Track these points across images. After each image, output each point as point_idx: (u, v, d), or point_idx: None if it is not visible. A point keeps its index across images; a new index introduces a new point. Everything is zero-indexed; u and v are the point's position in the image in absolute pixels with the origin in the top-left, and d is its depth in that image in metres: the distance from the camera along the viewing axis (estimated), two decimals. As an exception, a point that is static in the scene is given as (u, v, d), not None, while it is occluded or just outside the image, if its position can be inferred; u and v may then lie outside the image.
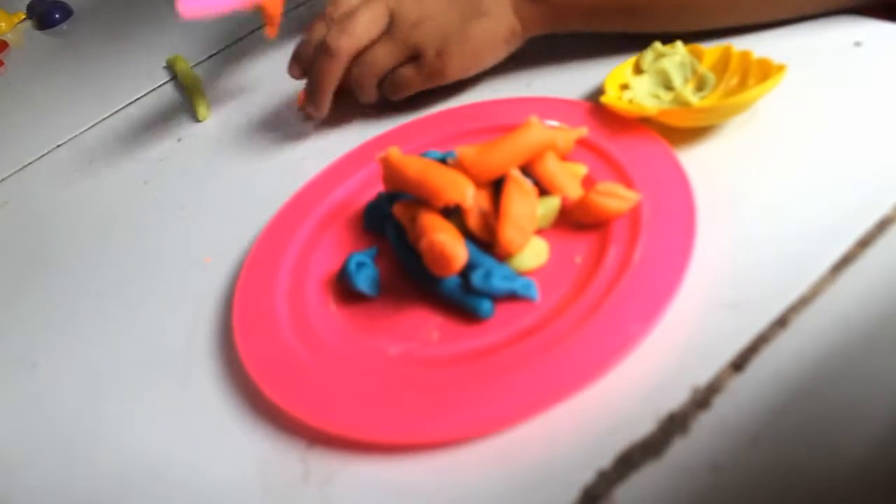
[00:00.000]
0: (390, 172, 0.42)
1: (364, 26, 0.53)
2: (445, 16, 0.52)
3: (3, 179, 0.73)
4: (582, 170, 0.43)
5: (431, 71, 0.53)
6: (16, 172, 0.73)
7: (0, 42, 1.06)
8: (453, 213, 0.40)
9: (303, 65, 0.57)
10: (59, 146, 0.74)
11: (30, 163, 0.74)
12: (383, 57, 0.54)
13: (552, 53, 0.56)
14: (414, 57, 0.53)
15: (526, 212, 0.39)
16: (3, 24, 1.10)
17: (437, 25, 0.52)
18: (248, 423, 0.39)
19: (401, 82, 0.55)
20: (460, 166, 0.40)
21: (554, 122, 0.47)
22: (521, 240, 0.38)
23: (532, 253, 0.39)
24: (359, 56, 0.54)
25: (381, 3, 0.53)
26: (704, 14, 0.50)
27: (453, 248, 0.36)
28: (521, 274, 0.39)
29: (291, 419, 0.37)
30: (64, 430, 0.44)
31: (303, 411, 0.37)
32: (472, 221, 0.39)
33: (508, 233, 0.38)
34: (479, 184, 0.40)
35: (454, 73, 0.53)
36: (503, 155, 0.40)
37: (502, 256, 0.39)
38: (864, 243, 0.37)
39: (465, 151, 0.40)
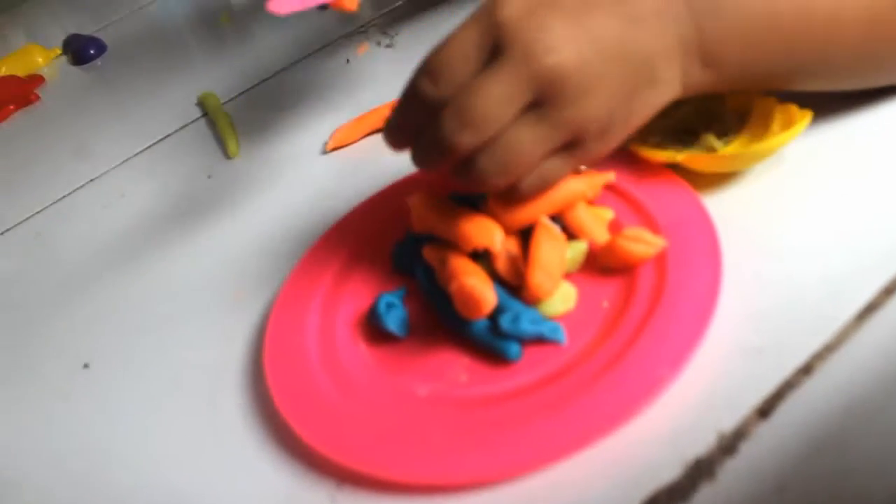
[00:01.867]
0: (420, 215, 0.43)
1: (496, 111, 0.36)
2: (615, 85, 0.38)
3: (38, 212, 0.74)
4: (608, 214, 0.43)
5: (586, 160, 0.41)
6: (51, 205, 0.75)
7: (36, 76, 1.09)
8: (482, 256, 0.41)
9: (406, 138, 0.42)
10: (92, 180, 0.76)
11: (64, 196, 0.75)
12: (531, 146, 0.38)
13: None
14: (569, 144, 0.39)
15: (555, 258, 0.39)
16: (40, 59, 1.13)
17: (604, 99, 0.38)
18: (277, 460, 0.40)
19: (548, 179, 0.40)
20: (493, 214, 0.40)
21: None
22: (550, 285, 0.39)
23: (560, 298, 0.40)
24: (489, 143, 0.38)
25: (521, 66, 0.36)
26: (882, 69, 0.45)
27: (483, 293, 0.37)
28: (549, 318, 0.40)
29: (321, 457, 0.38)
30: (90, 460, 0.45)
31: (332, 450, 0.37)
32: (501, 265, 0.40)
33: (537, 278, 0.38)
34: (509, 230, 0.41)
35: (601, 157, 0.41)
36: (536, 204, 0.41)
37: (531, 301, 0.39)
38: (890, 290, 0.37)
39: (498, 200, 0.41)
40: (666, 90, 0.41)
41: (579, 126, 0.38)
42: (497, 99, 0.36)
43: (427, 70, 0.38)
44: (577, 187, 0.42)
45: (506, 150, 0.37)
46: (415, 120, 0.40)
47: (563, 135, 0.38)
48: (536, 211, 0.41)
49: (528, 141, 0.37)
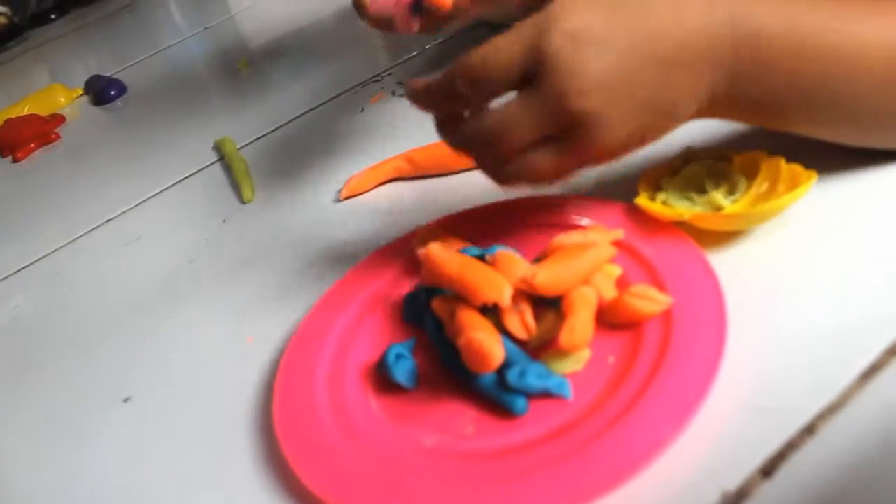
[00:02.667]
0: (430, 268, 0.44)
1: (518, 137, 0.40)
2: (635, 126, 0.41)
3: (55, 250, 0.76)
4: (616, 271, 0.44)
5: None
6: (68, 244, 0.76)
7: (58, 115, 1.11)
8: (490, 310, 0.42)
9: (427, 108, 0.45)
10: (109, 220, 0.77)
11: (81, 235, 0.77)
12: (543, 163, 0.41)
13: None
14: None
15: (586, 319, 0.40)
16: (62, 99, 1.15)
17: (620, 138, 0.41)
18: (285, 509, 0.41)
19: (535, 172, 0.42)
20: (532, 290, 0.41)
21: (587, 221, 0.49)
22: (581, 345, 0.39)
23: (575, 357, 0.40)
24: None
25: (552, 101, 0.39)
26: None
27: (491, 348, 0.38)
28: (558, 374, 0.40)
29: (327, 507, 0.38)
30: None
31: (339, 499, 0.38)
32: (509, 320, 0.41)
33: (568, 338, 0.39)
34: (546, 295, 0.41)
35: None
36: (574, 275, 0.42)
37: (550, 357, 0.40)
38: (894, 351, 0.37)
39: (541, 278, 0.41)
40: (680, 121, 0.44)
41: (590, 155, 0.41)
42: (522, 127, 0.40)
43: (465, 71, 0.41)
44: (606, 254, 0.43)
45: (523, 167, 0.41)
46: (442, 101, 0.43)
47: (574, 160, 0.42)
48: (573, 282, 0.41)
49: (541, 160, 0.41)
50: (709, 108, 0.44)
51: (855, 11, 0.43)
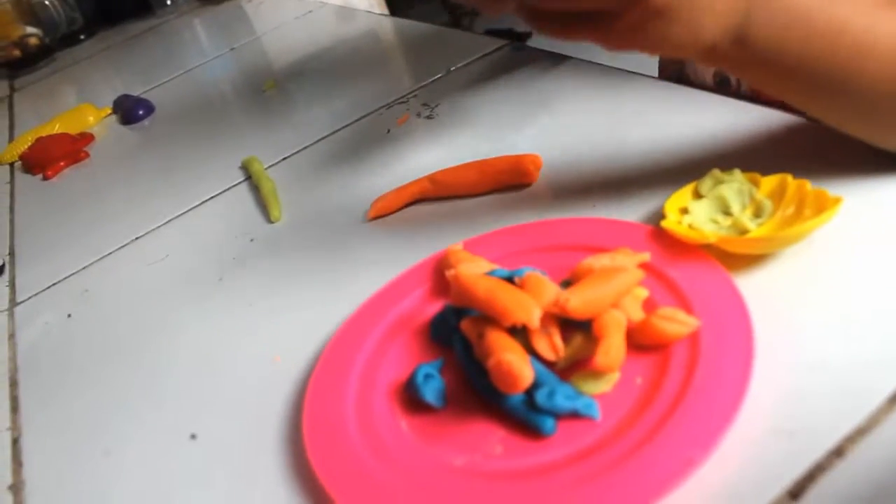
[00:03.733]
0: (459, 290, 0.44)
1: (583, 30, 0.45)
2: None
3: (84, 267, 0.77)
4: (643, 293, 0.45)
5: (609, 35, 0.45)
6: (96, 261, 0.77)
7: (87, 134, 1.13)
8: (518, 331, 0.42)
9: None
10: (137, 238, 0.78)
11: (110, 252, 0.78)
12: None
13: (617, 174, 0.59)
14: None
15: (619, 342, 0.41)
16: (91, 118, 1.17)
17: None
18: (315, 527, 0.41)
19: None
20: (565, 314, 0.42)
21: (614, 243, 0.49)
22: (616, 366, 0.40)
23: (605, 379, 0.41)
24: None
25: None
26: None
27: (521, 369, 0.38)
28: (587, 395, 0.41)
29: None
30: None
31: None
32: (538, 341, 0.41)
33: (604, 360, 0.40)
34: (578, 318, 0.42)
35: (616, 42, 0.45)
36: (605, 299, 0.42)
37: (580, 378, 0.41)
38: (921, 375, 0.37)
39: (574, 302, 0.41)
40: (695, 48, 0.45)
41: (625, 33, 0.44)
42: None
43: None
44: (635, 277, 0.44)
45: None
46: None
47: (610, 32, 0.44)
48: (604, 305, 0.42)
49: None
50: (718, 51, 0.46)
51: (870, 7, 0.46)
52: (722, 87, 0.67)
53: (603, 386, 0.41)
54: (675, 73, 0.74)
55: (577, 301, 0.41)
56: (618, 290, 0.43)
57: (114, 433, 0.54)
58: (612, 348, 0.40)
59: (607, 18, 0.44)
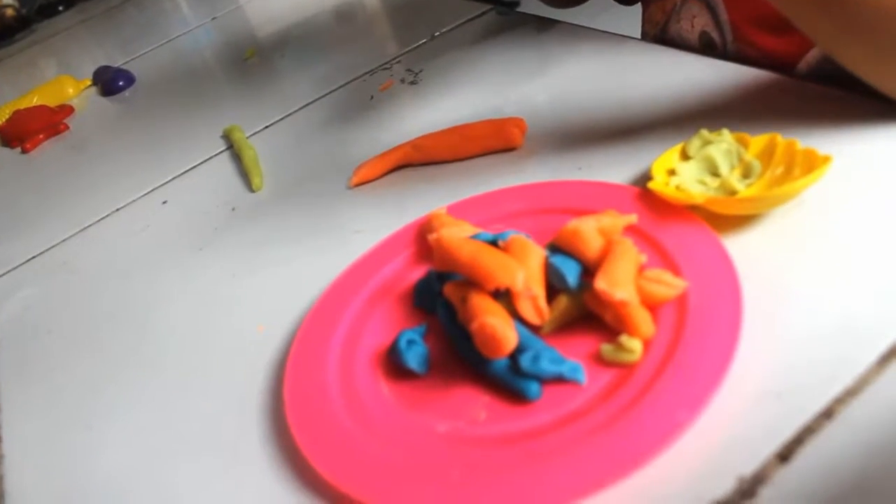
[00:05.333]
0: (442, 254, 0.43)
1: None
2: None
3: (64, 240, 0.76)
4: (642, 259, 0.43)
5: None
6: (76, 233, 0.76)
7: (66, 106, 1.11)
8: (503, 295, 0.41)
9: None
10: (118, 209, 0.77)
11: (90, 225, 0.77)
12: None
13: (603, 136, 0.58)
14: None
15: (623, 268, 0.40)
16: (71, 90, 1.15)
17: None
18: (297, 495, 0.40)
19: None
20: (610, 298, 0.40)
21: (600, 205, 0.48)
22: (611, 291, 0.39)
23: (630, 348, 0.39)
24: None
25: None
26: None
27: (504, 332, 0.37)
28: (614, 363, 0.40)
29: (339, 494, 0.38)
30: (114, 495, 0.46)
31: (351, 486, 0.38)
32: (522, 305, 0.40)
33: (600, 284, 0.39)
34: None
35: None
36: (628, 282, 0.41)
37: (609, 351, 0.40)
38: (912, 335, 0.37)
39: (600, 284, 0.40)
40: None
41: None
42: None
43: None
44: (636, 257, 0.42)
45: None
46: None
47: None
48: (630, 290, 0.40)
49: None
50: None
51: None
52: (708, 48, 0.66)
53: (629, 356, 0.39)
54: (658, 35, 0.73)
55: (604, 285, 0.40)
56: (632, 270, 0.41)
57: (95, 407, 0.53)
58: (642, 323, 0.39)
59: None
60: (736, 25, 0.63)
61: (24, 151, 1.02)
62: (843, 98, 0.51)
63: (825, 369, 0.37)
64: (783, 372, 0.37)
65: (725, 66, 0.61)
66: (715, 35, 0.65)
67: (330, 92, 0.84)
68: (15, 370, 0.60)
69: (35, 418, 0.54)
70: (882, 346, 0.37)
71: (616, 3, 0.80)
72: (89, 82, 1.17)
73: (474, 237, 0.45)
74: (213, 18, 1.30)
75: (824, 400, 0.35)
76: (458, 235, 0.44)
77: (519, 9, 0.88)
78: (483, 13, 0.89)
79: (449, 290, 0.43)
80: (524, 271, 0.40)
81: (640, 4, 0.79)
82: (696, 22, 0.67)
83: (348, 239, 0.58)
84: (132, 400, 0.52)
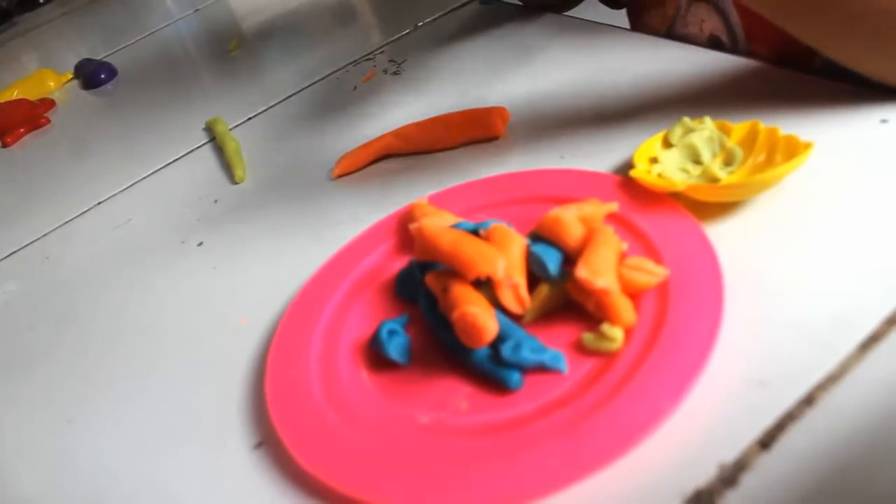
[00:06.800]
0: (423, 243, 0.43)
1: None
2: None
3: (45, 234, 0.75)
4: (623, 246, 0.43)
5: None
6: (58, 227, 0.75)
7: (48, 100, 1.10)
8: (484, 285, 0.41)
9: None
10: (100, 203, 0.77)
11: (71, 219, 0.76)
12: None
13: (585, 125, 0.58)
14: None
15: (603, 255, 0.40)
16: (52, 83, 1.14)
17: None
18: (280, 489, 0.40)
19: None
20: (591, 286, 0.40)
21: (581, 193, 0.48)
22: (592, 279, 0.39)
23: (611, 336, 0.39)
24: None
25: None
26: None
27: (485, 321, 0.37)
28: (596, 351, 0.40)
29: (322, 485, 0.38)
30: (96, 488, 0.45)
31: (333, 478, 0.37)
32: (503, 294, 0.40)
33: (581, 272, 0.39)
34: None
35: None
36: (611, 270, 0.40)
37: (591, 340, 0.40)
38: (893, 321, 0.37)
39: (581, 273, 0.40)
40: None
41: None
42: None
43: None
44: (618, 245, 0.42)
45: None
46: None
47: None
48: (611, 278, 0.40)
49: None
50: None
51: None
52: (716, 46, 0.65)
53: (610, 344, 0.39)
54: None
55: (586, 271, 0.40)
56: (613, 259, 0.41)
57: (77, 401, 0.52)
58: (624, 311, 0.39)
59: None
60: (748, 27, 0.62)
61: (4, 146, 1.01)
62: (827, 85, 0.51)
63: (806, 356, 0.37)
64: (764, 359, 0.37)
65: (706, 53, 0.61)
66: (726, 38, 0.64)
67: (313, 83, 0.83)
68: (-3, 364, 0.60)
69: (17, 413, 0.54)
70: (863, 332, 0.37)
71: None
72: (71, 76, 1.16)
73: (455, 226, 0.45)
74: (196, 10, 1.29)
75: (805, 387, 0.35)
76: (440, 225, 0.44)
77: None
78: (466, 3, 0.89)
79: (430, 279, 0.42)
80: (505, 260, 0.40)
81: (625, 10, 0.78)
82: (704, 26, 0.66)
83: (331, 230, 0.57)
84: (114, 394, 0.52)
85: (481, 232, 0.43)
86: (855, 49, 0.48)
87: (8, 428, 0.53)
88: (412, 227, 0.44)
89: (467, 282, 0.41)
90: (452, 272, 0.42)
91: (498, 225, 0.43)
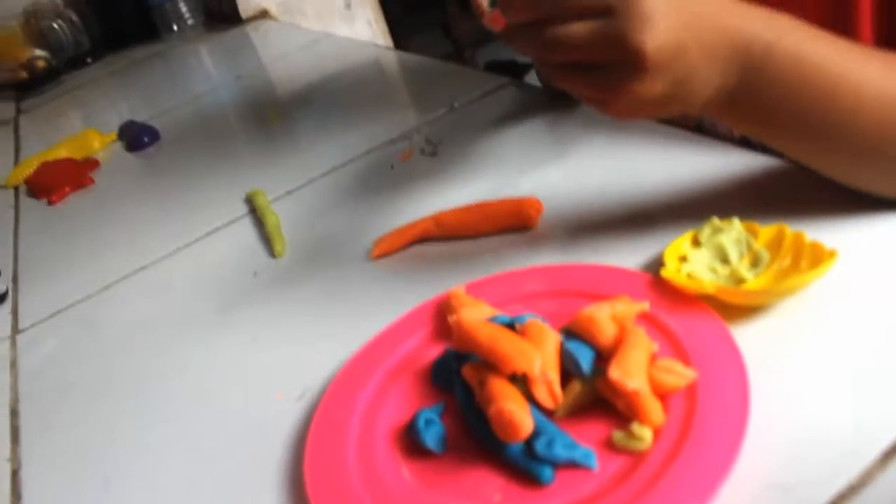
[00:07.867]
0: (461, 335, 0.45)
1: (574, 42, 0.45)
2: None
3: (88, 297, 0.77)
4: (653, 347, 0.45)
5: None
6: (100, 291, 0.77)
7: (92, 160, 1.14)
8: (519, 379, 0.43)
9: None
10: (142, 268, 0.79)
11: (113, 282, 0.78)
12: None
13: (616, 219, 0.60)
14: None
15: (636, 357, 0.42)
16: (97, 144, 1.18)
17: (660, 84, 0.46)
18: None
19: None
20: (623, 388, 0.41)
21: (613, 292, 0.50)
22: (624, 380, 0.40)
23: (640, 436, 0.41)
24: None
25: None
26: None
27: (521, 418, 0.39)
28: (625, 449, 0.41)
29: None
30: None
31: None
32: (537, 389, 0.42)
33: (614, 373, 0.41)
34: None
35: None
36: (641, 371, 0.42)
37: (621, 438, 0.41)
38: (916, 431, 0.38)
39: (614, 374, 0.41)
40: (692, 106, 0.49)
41: (617, 93, 0.46)
42: (584, 39, 0.45)
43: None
44: (649, 346, 0.44)
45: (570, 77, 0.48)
46: (525, 9, 0.47)
47: (605, 88, 0.47)
48: (642, 380, 0.42)
49: (582, 77, 0.47)
50: (713, 105, 0.49)
51: (857, 54, 0.49)
52: (749, 146, 0.67)
53: (639, 444, 0.41)
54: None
55: (618, 374, 0.41)
56: (647, 349, 0.43)
57: (113, 465, 0.54)
58: (653, 411, 0.41)
59: (601, 72, 0.46)
60: None
61: (50, 203, 1.04)
62: (852, 189, 0.53)
63: (830, 463, 0.38)
64: (789, 464, 0.38)
65: (736, 151, 0.63)
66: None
67: (352, 160, 0.86)
68: (35, 424, 0.61)
69: (54, 474, 0.55)
70: (885, 442, 0.38)
71: None
72: (115, 136, 1.20)
73: (492, 320, 0.47)
74: (237, 77, 1.34)
75: (829, 494, 0.36)
76: (477, 318, 0.46)
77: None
78: (502, 86, 0.92)
79: (467, 371, 0.44)
80: (541, 357, 0.42)
81: None
82: None
83: (368, 311, 0.59)
84: (150, 460, 0.53)
85: (517, 326, 0.45)
86: (844, 165, 0.52)
87: (45, 489, 0.54)
88: (451, 318, 0.46)
89: (504, 376, 0.42)
90: (489, 365, 0.43)
91: (533, 321, 0.45)
